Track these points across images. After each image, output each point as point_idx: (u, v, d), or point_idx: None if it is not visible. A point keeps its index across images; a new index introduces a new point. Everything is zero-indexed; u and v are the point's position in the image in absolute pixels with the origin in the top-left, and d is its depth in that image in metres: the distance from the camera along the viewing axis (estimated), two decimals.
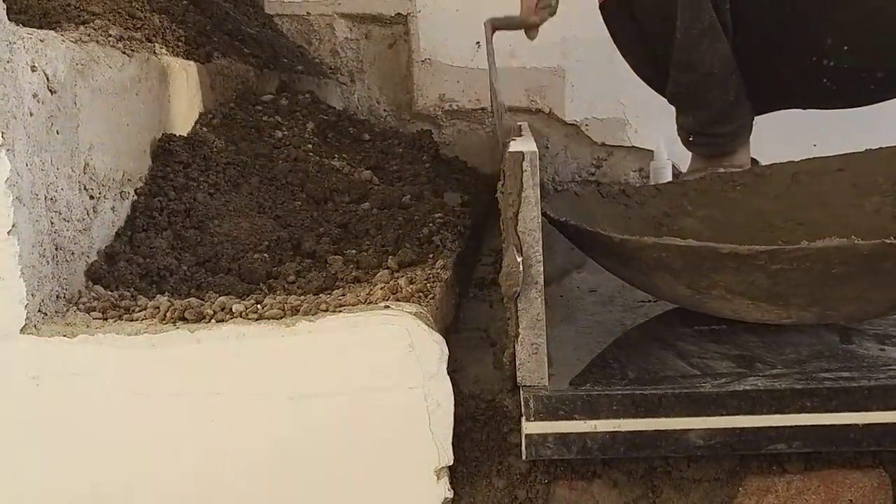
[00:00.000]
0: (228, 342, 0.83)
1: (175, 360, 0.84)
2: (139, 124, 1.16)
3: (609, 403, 0.83)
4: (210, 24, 1.63)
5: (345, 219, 1.25)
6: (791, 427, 0.83)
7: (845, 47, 1.45)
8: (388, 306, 0.87)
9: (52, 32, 0.98)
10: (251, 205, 1.24)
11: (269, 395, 0.84)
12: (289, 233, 1.18)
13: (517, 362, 0.85)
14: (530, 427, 0.83)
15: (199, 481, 0.85)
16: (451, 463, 0.84)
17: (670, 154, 2.03)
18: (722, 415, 0.83)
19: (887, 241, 0.85)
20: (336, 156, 1.56)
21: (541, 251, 0.83)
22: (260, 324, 0.85)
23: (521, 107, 2.14)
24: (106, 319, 0.89)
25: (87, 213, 0.98)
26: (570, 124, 2.17)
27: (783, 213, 1.28)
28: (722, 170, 1.46)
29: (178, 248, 1.09)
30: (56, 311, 0.89)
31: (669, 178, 1.96)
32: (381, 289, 0.93)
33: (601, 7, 1.64)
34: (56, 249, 0.90)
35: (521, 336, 0.84)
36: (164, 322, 0.88)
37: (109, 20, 1.25)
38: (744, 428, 0.83)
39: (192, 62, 1.44)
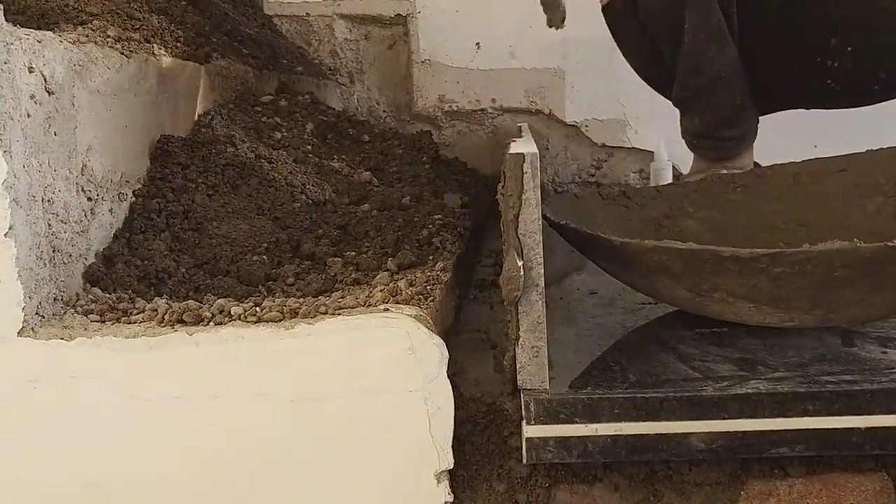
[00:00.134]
0: (227, 345, 0.83)
1: (173, 363, 0.83)
2: (137, 125, 1.16)
3: (610, 407, 0.82)
4: (209, 25, 1.63)
5: (344, 220, 1.25)
6: (793, 430, 0.82)
7: (849, 48, 1.45)
8: (388, 309, 0.86)
9: (49, 33, 0.97)
10: (250, 206, 1.23)
11: (267, 399, 0.83)
12: (288, 234, 1.18)
13: (518, 365, 0.85)
14: (531, 430, 0.83)
15: (197, 484, 0.85)
16: (451, 466, 0.84)
17: (670, 155, 2.02)
18: (724, 418, 0.82)
19: (889, 244, 0.84)
20: (335, 157, 1.55)
21: (541, 254, 0.83)
22: (259, 326, 0.85)
23: (521, 108, 2.14)
24: (104, 322, 0.88)
25: (85, 215, 0.98)
26: (571, 125, 2.16)
27: (784, 215, 1.28)
28: (724, 171, 1.46)
29: (176, 249, 1.09)
30: (53, 314, 0.88)
31: (670, 180, 1.96)
32: (380, 291, 0.92)
33: (603, 8, 1.63)
34: (53, 252, 0.89)
35: (521, 339, 0.84)
36: (163, 325, 0.87)
37: (108, 21, 1.24)
38: (746, 431, 0.82)
39: (190, 63, 1.43)
